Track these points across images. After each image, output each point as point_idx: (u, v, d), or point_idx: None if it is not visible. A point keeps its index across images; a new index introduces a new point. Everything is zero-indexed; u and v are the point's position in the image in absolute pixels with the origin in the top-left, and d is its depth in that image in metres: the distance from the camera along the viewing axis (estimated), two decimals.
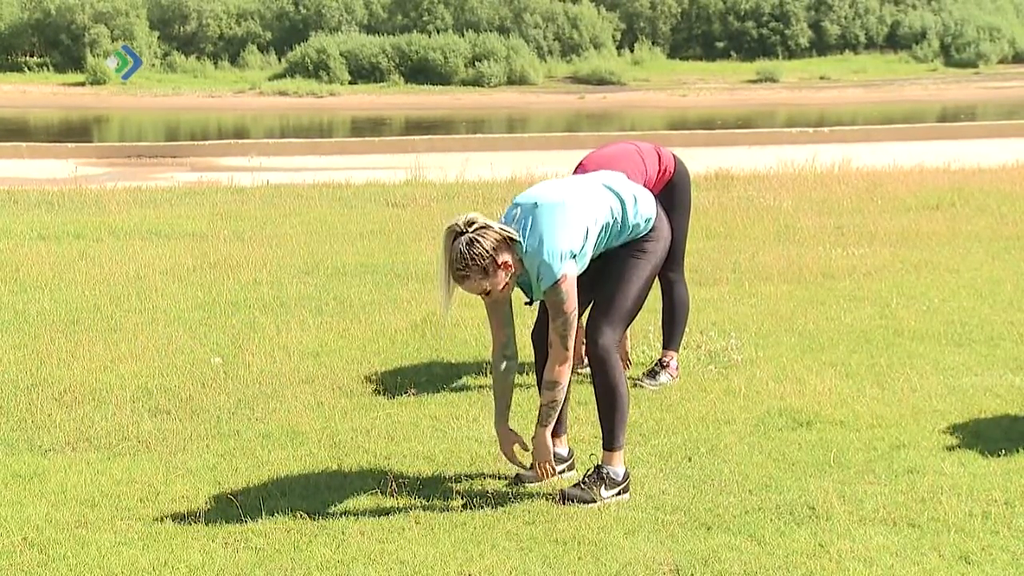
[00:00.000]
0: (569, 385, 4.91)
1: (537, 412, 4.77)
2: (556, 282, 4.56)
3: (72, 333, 7.28)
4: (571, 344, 4.62)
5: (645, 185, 6.05)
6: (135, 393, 6.10)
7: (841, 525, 4.42)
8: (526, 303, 4.83)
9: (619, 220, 4.74)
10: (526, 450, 4.85)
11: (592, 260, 4.77)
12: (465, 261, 4.48)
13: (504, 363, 4.80)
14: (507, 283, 4.59)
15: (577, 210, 4.63)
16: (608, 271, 4.78)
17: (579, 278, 4.71)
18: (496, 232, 4.53)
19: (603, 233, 4.72)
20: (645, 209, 4.79)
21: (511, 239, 4.56)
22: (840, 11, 67.78)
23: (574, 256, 4.62)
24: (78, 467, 5.07)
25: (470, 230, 4.51)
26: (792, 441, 5.32)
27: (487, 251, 4.49)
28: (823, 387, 6.06)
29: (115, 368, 6.55)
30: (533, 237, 4.58)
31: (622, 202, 4.75)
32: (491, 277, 4.53)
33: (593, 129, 35.68)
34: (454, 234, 4.53)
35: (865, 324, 7.45)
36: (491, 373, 6.43)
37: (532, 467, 4.85)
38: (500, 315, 4.75)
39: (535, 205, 4.63)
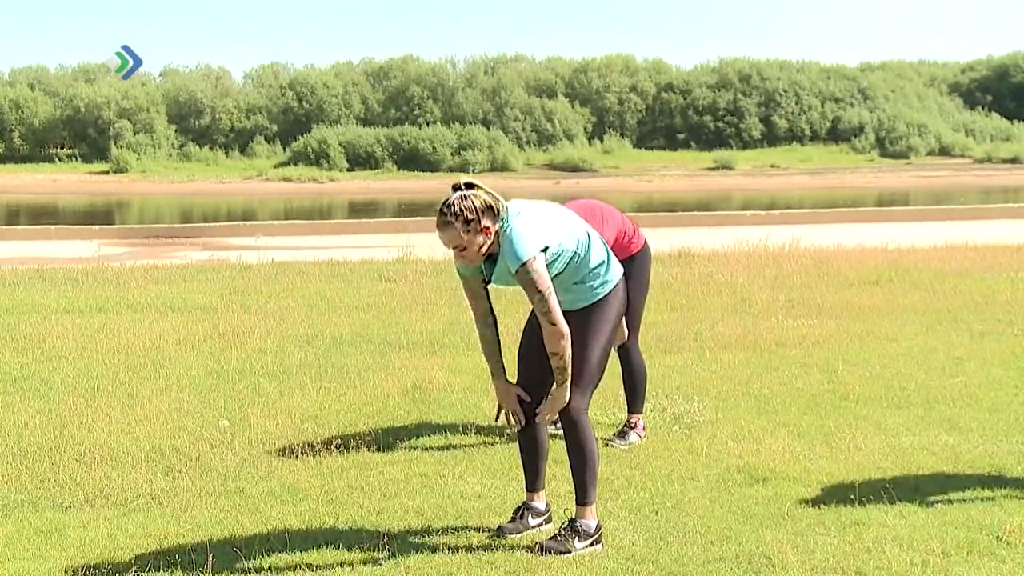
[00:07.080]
0: (547, 443, 4.87)
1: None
2: (524, 263, 4.48)
3: (92, 399, 7.21)
4: (557, 317, 4.50)
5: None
6: (149, 453, 6.03)
7: (795, 574, 4.37)
8: (484, 281, 4.70)
9: (581, 256, 4.68)
10: (527, 401, 4.74)
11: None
12: (453, 210, 4.47)
13: (486, 329, 4.73)
14: (481, 247, 4.51)
15: (553, 220, 4.62)
16: (571, 337, 4.68)
17: (537, 341, 4.67)
18: (487, 196, 4.51)
19: (569, 262, 4.65)
20: (598, 254, 4.75)
21: (497, 210, 4.52)
22: (787, 107, 68.79)
23: (544, 250, 4.54)
24: (96, 523, 4.99)
25: (467, 190, 4.52)
26: (750, 496, 5.28)
27: (475, 208, 4.47)
28: (777, 446, 6.03)
29: (131, 430, 6.48)
30: (512, 229, 4.53)
31: (589, 238, 4.72)
32: (470, 233, 4.48)
33: None
34: (453, 187, 4.54)
35: (814, 388, 7.43)
36: (474, 430, 6.44)
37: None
38: (479, 298, 4.70)
39: (518, 212, 4.59)
